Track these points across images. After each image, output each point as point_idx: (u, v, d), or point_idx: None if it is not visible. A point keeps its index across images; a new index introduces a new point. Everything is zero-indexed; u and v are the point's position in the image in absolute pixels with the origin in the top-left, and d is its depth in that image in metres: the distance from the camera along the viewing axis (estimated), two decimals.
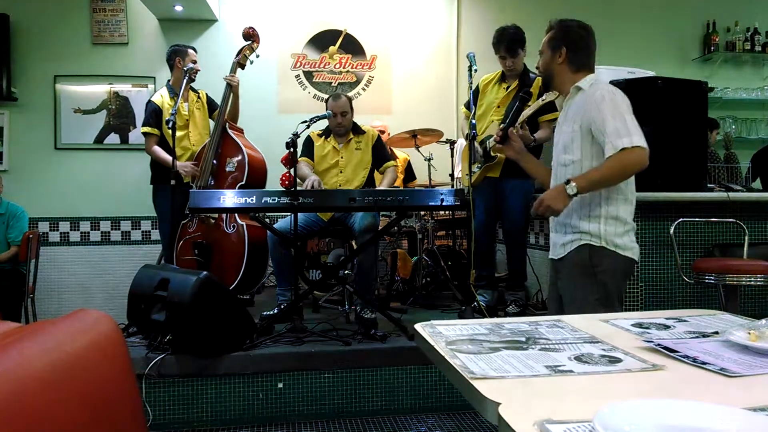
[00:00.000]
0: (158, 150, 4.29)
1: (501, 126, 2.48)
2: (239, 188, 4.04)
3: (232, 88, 4.33)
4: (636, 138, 2.06)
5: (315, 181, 3.73)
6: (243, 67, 4.43)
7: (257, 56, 4.46)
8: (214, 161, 4.23)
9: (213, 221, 4.15)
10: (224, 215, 4.08)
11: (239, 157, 4.17)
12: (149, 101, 4.42)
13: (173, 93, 4.35)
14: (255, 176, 4.19)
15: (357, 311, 3.63)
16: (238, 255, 4.00)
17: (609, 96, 2.14)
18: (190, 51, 4.41)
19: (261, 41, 4.49)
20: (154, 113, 4.33)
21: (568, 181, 2.12)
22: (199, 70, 4.33)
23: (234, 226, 4.07)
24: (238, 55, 4.40)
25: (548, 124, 3.70)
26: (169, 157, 4.19)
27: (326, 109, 4.02)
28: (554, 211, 2.17)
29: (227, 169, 4.23)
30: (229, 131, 4.27)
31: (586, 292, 2.18)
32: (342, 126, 3.95)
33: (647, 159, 2.09)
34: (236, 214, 4.02)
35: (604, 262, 2.17)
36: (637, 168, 2.11)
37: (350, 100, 4.03)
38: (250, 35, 4.41)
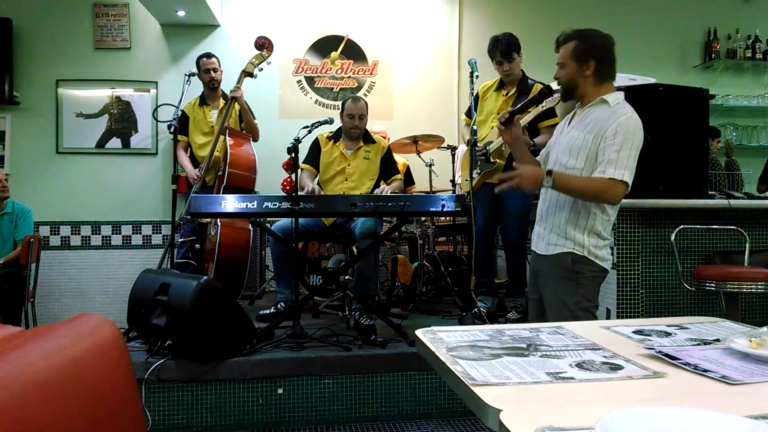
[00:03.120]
0: (179, 155, 4.38)
1: (509, 109, 2.46)
2: (223, 190, 4.09)
3: (235, 101, 4.33)
4: (627, 174, 2.15)
5: (316, 190, 3.73)
6: (251, 75, 4.39)
7: (268, 63, 4.44)
8: (217, 167, 4.28)
9: (204, 223, 4.19)
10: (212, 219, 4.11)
11: (225, 160, 4.22)
12: (182, 108, 4.47)
13: (201, 101, 4.50)
14: (236, 179, 4.20)
15: (356, 317, 3.62)
16: (211, 256, 4.02)
17: (632, 126, 2.18)
18: (202, 61, 4.46)
19: (268, 47, 4.49)
20: (181, 119, 4.41)
21: (550, 173, 2.21)
22: (196, 74, 4.38)
23: (216, 228, 4.09)
24: (246, 64, 4.41)
25: (548, 129, 3.70)
26: (185, 162, 4.25)
27: (341, 111, 3.99)
28: (513, 183, 2.27)
29: (218, 173, 4.29)
30: (227, 138, 4.29)
31: (567, 294, 2.28)
32: (358, 129, 3.93)
33: (622, 197, 2.20)
34: None
35: (585, 270, 2.28)
36: (609, 201, 2.24)
37: (367, 104, 4.02)
38: (263, 45, 4.39)
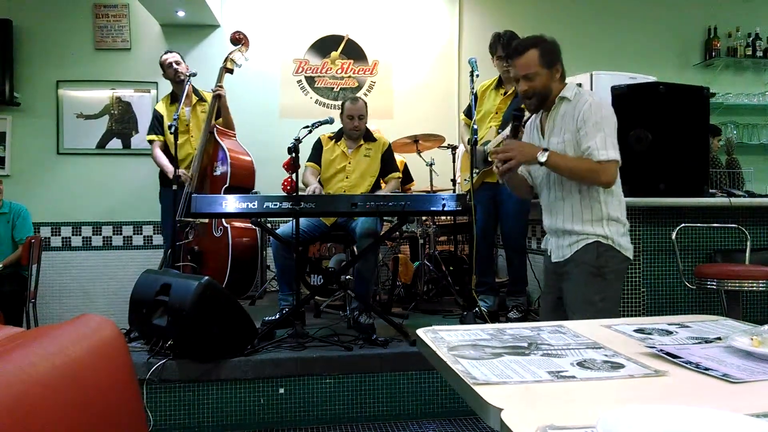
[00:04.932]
0: (158, 155, 4.37)
1: (502, 140, 2.47)
2: (224, 191, 4.09)
3: (219, 99, 4.31)
4: (612, 152, 2.17)
5: (316, 189, 3.74)
6: (231, 72, 4.38)
7: (246, 59, 4.43)
8: (212, 167, 4.27)
9: (203, 225, 4.18)
10: (213, 219, 4.11)
11: (223, 160, 4.21)
12: (154, 108, 4.47)
13: (172, 99, 4.43)
14: (239, 178, 4.22)
15: (354, 317, 3.62)
16: (224, 257, 4.03)
17: (595, 107, 2.21)
18: (163, 59, 4.38)
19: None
20: (155, 120, 4.41)
21: (546, 150, 2.21)
22: (177, 70, 4.31)
23: (221, 229, 4.10)
24: (225, 60, 4.38)
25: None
26: (166, 162, 4.24)
27: (341, 112, 4.00)
28: (513, 163, 2.22)
29: (215, 173, 4.28)
30: (216, 136, 4.28)
31: (591, 291, 2.24)
32: (358, 129, 3.94)
33: (615, 176, 2.21)
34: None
35: (610, 263, 2.25)
36: (603, 182, 2.20)
37: (366, 104, 4.03)
38: (239, 40, 4.38)
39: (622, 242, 2.27)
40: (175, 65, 4.33)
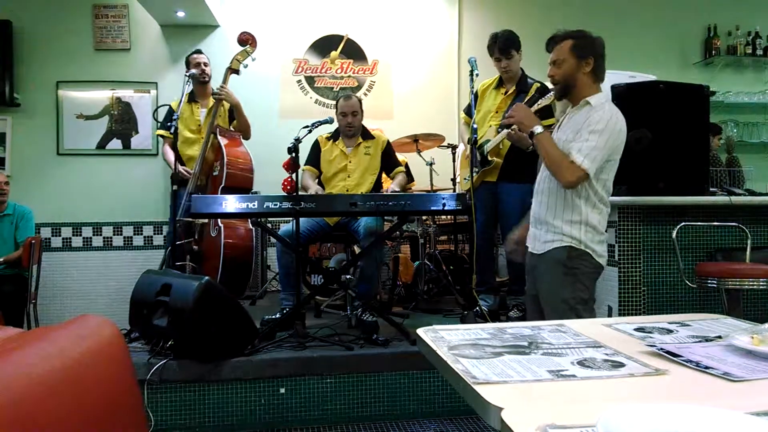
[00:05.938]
0: (166, 152, 4.37)
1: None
2: (221, 191, 4.09)
3: (220, 101, 4.30)
4: (587, 162, 2.21)
5: (318, 191, 3.73)
6: (237, 72, 4.38)
7: (253, 59, 4.42)
8: (212, 168, 4.28)
9: (204, 225, 4.18)
10: (211, 220, 4.10)
11: (221, 161, 4.22)
12: (169, 105, 4.47)
13: (191, 98, 4.44)
14: (235, 179, 4.21)
15: (357, 315, 3.62)
16: (216, 257, 4.02)
17: (605, 117, 2.24)
18: (192, 57, 4.43)
19: (261, 45, 4.47)
20: (167, 116, 4.41)
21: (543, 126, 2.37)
22: (195, 74, 4.32)
23: (216, 230, 4.09)
24: (231, 61, 4.37)
25: (546, 129, 3.70)
26: (172, 159, 4.24)
27: (336, 110, 4.00)
28: (512, 121, 2.49)
29: (214, 173, 4.28)
30: (218, 137, 4.28)
31: (564, 289, 2.30)
32: (351, 126, 3.93)
33: (575, 182, 2.25)
34: None
35: (582, 265, 2.31)
36: (563, 180, 2.26)
37: (360, 101, 4.02)
38: (246, 41, 4.38)
39: (596, 248, 2.32)
40: (203, 66, 4.39)
